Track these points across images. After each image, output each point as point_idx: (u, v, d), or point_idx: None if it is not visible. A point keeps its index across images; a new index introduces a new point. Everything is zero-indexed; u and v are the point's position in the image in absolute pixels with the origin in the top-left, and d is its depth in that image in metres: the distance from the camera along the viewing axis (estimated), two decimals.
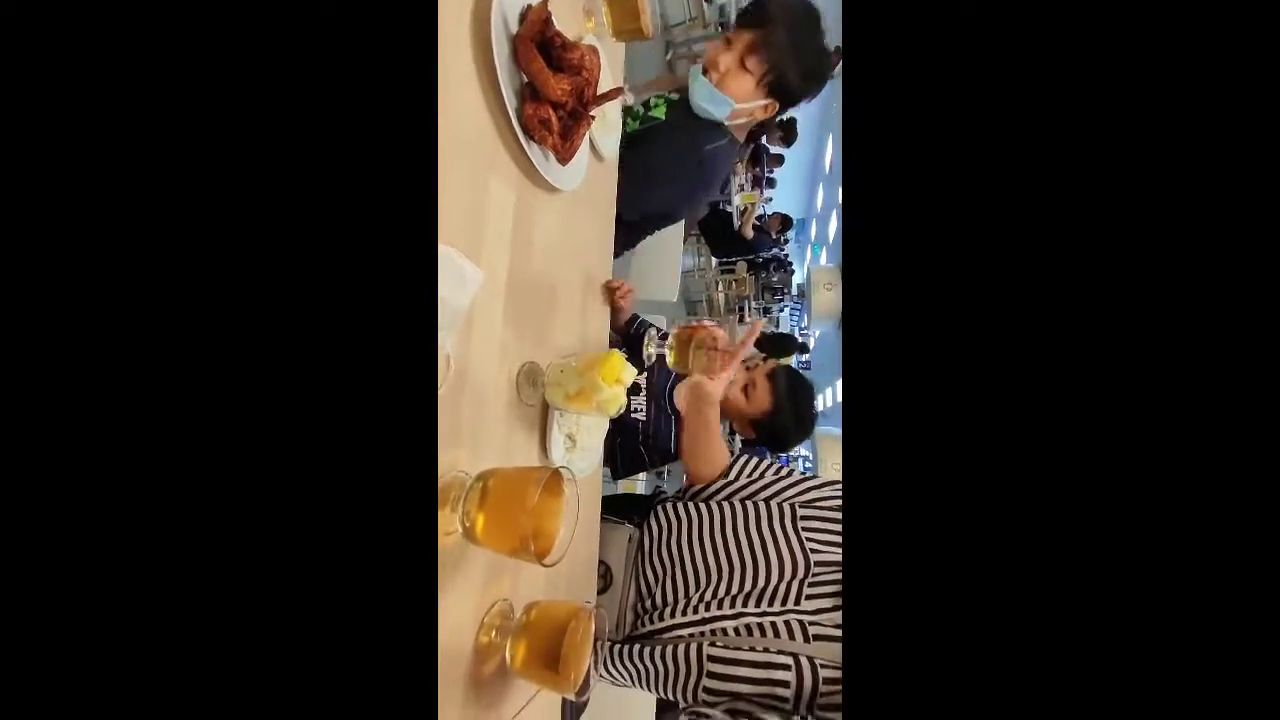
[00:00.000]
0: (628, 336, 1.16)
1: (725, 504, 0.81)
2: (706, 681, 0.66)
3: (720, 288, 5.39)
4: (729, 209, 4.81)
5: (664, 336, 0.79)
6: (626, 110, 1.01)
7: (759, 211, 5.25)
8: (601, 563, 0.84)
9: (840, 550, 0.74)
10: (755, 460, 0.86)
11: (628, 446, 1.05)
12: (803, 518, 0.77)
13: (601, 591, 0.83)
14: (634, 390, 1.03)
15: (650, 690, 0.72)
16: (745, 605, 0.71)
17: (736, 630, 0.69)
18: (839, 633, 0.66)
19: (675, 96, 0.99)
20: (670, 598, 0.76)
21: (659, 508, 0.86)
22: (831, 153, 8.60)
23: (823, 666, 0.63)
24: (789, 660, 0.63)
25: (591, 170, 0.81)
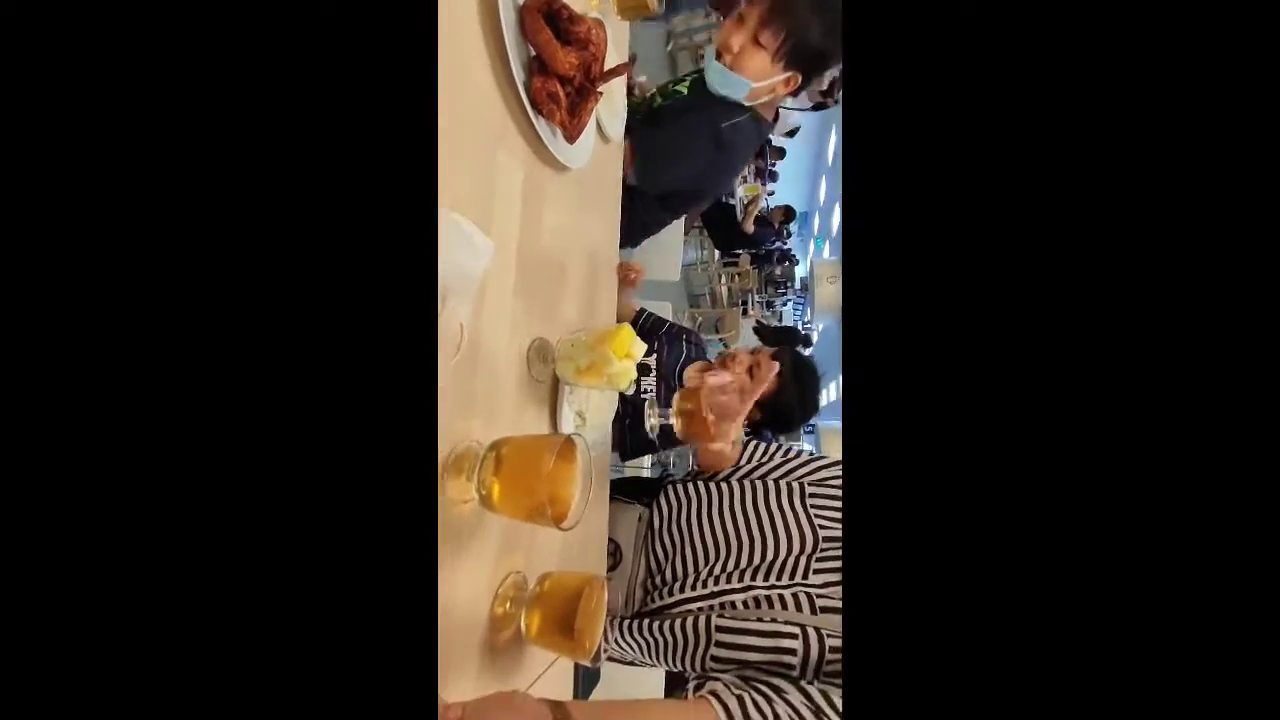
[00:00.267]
0: (636, 329, 1.16)
1: (735, 482, 0.82)
2: (714, 650, 0.66)
3: (723, 281, 5.38)
4: (732, 201, 4.80)
5: (667, 403, 0.71)
6: (650, 94, 1.00)
7: (761, 205, 5.24)
8: (611, 541, 0.84)
9: None
10: (764, 445, 0.87)
11: (636, 428, 1.06)
12: (811, 495, 0.77)
13: (611, 569, 0.83)
14: (644, 371, 1.04)
15: (659, 662, 0.73)
16: (754, 579, 0.71)
17: (745, 603, 0.70)
18: None
19: (697, 75, 0.97)
20: (680, 573, 0.76)
21: (668, 487, 0.86)
22: (834, 145, 8.57)
23: (829, 636, 0.63)
24: (796, 630, 0.64)
25: (598, 151, 0.81)
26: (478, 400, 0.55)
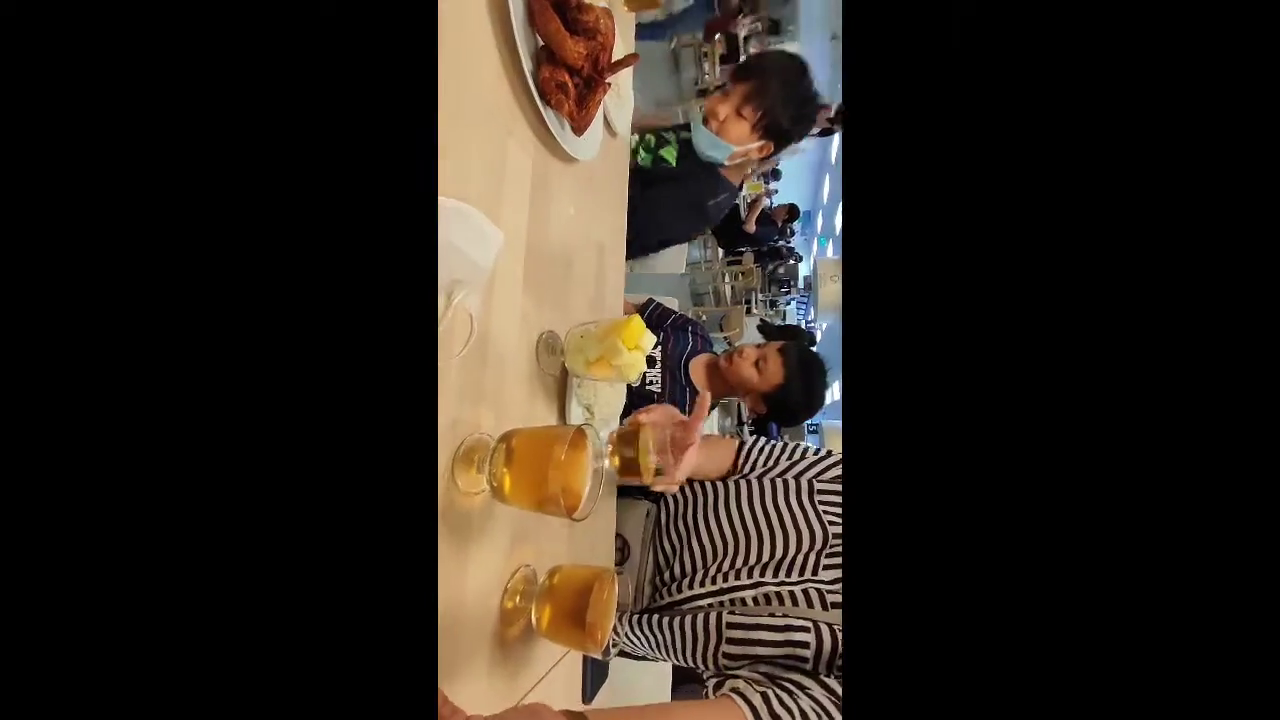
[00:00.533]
0: (644, 319, 1.16)
1: (742, 480, 0.81)
2: (726, 647, 0.66)
3: (727, 279, 5.37)
4: (735, 201, 4.79)
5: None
6: (640, 140, 1.11)
7: (765, 204, 5.23)
8: (619, 536, 0.84)
9: None
10: (767, 444, 0.85)
11: None
12: (819, 491, 0.77)
13: (619, 565, 0.83)
14: (650, 362, 1.04)
15: (669, 657, 0.73)
16: (763, 575, 0.71)
17: (755, 600, 0.69)
18: None
19: (686, 136, 1.10)
20: (689, 569, 0.76)
21: None
22: (838, 145, 8.55)
23: (841, 631, 0.63)
24: (808, 624, 0.63)
25: (606, 144, 0.80)
26: (487, 392, 0.54)
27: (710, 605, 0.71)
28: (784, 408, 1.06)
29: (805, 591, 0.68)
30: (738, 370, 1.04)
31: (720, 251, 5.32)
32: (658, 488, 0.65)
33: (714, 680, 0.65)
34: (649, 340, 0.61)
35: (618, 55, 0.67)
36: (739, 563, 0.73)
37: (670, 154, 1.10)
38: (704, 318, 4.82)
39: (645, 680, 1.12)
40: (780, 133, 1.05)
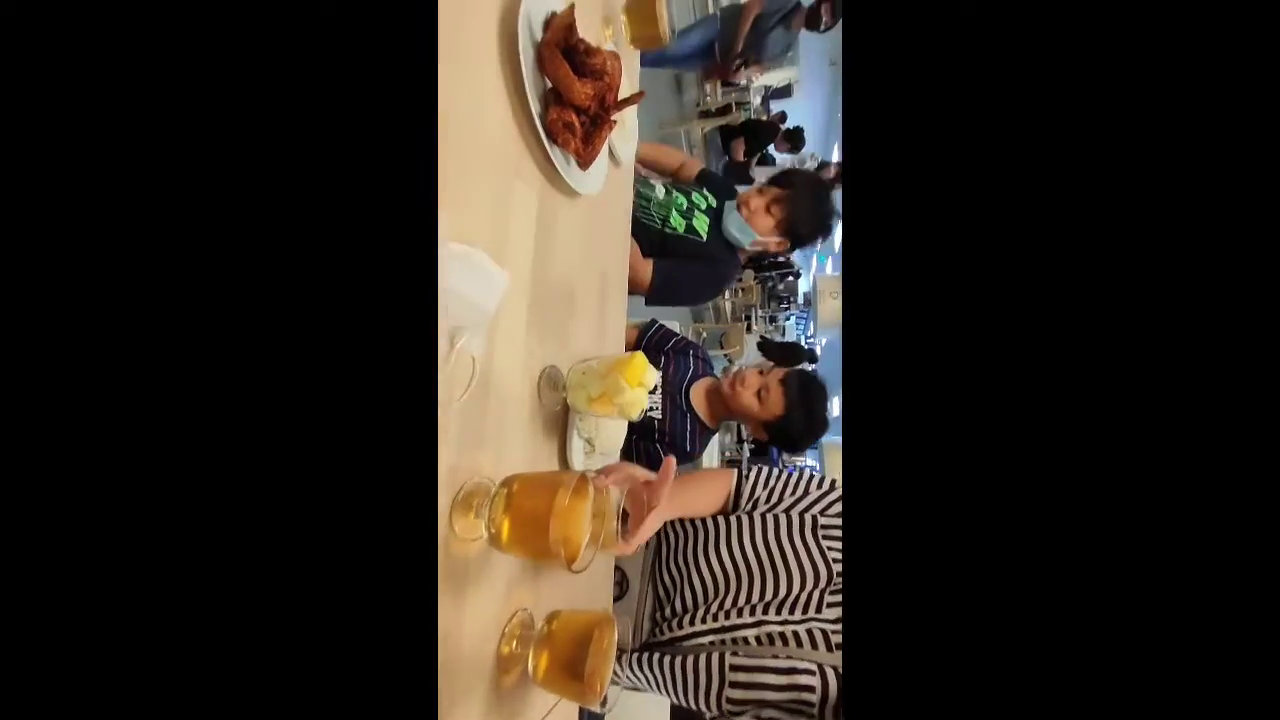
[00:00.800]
0: (645, 341, 1.16)
1: (744, 516, 0.80)
2: (730, 692, 0.64)
3: (727, 296, 5.38)
4: None
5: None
6: (672, 198, 1.20)
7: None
8: (618, 570, 0.83)
9: None
10: (768, 476, 0.83)
11: (644, 446, 1.05)
12: (823, 526, 0.76)
13: (617, 599, 0.81)
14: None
15: (671, 696, 0.71)
16: (765, 614, 0.70)
17: (758, 639, 0.68)
18: None
19: (713, 205, 1.23)
20: (689, 604, 0.75)
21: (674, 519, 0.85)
22: (837, 160, 8.62)
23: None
24: (813, 667, 0.62)
25: (610, 175, 0.81)
26: (487, 434, 0.54)
27: (712, 644, 0.70)
28: (786, 436, 1.05)
29: (810, 632, 0.67)
30: (739, 399, 1.04)
31: None
32: (614, 551, 0.61)
33: None
34: (651, 377, 0.61)
35: (624, 93, 0.67)
36: (740, 600, 0.72)
37: (702, 225, 1.21)
38: (704, 335, 4.82)
39: (645, 716, 1.10)
40: (798, 236, 1.22)
